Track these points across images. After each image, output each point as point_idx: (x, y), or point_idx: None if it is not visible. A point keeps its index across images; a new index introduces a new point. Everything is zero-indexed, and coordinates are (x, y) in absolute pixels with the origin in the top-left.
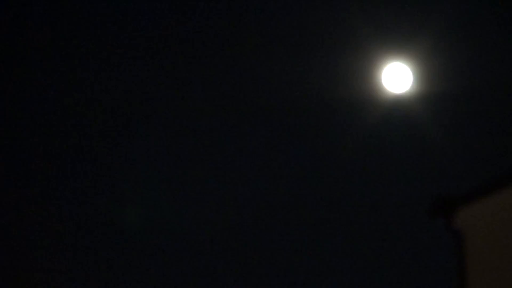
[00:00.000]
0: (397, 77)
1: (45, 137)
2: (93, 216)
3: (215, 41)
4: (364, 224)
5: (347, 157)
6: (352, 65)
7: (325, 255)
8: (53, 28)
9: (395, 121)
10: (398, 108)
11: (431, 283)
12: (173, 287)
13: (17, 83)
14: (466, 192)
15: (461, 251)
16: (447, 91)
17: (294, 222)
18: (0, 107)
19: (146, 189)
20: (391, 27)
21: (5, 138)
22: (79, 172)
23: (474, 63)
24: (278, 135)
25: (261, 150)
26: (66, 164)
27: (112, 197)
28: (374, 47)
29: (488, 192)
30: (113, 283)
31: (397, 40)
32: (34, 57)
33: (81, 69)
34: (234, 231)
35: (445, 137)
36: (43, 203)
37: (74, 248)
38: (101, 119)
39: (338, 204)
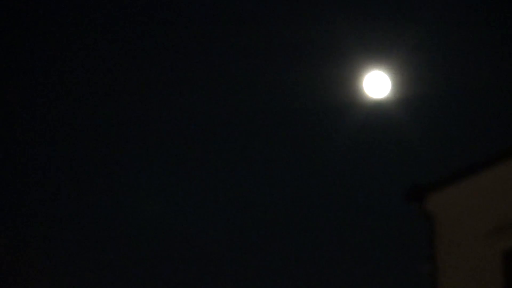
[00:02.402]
0: (377, 84)
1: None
2: (98, 216)
3: (204, 57)
4: (347, 212)
5: (333, 156)
6: (336, 74)
7: (317, 241)
8: (53, 29)
9: (375, 122)
10: (378, 111)
11: (405, 260)
12: (177, 284)
13: (26, 85)
14: (436, 179)
15: (432, 231)
16: (422, 96)
17: (286, 213)
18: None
19: (152, 190)
20: (371, 39)
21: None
22: (88, 173)
23: (447, 71)
24: (270, 137)
25: (253, 150)
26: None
27: (115, 198)
28: (355, 57)
29: (455, 180)
30: (116, 281)
31: (376, 51)
32: (36, 59)
33: (92, 70)
34: (228, 224)
35: (417, 134)
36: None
37: (79, 248)
38: (106, 120)
39: (326, 196)
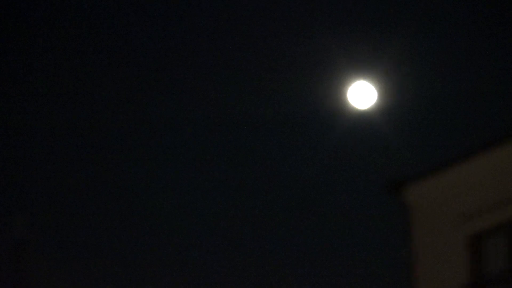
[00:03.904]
0: (361, 94)
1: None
2: (102, 214)
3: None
4: (334, 207)
5: (320, 163)
6: (320, 84)
7: (308, 232)
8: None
9: (360, 133)
10: (363, 122)
11: (386, 246)
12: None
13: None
14: (412, 174)
15: (409, 219)
16: (406, 105)
17: (276, 211)
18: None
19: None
20: (356, 50)
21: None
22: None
23: (433, 80)
24: (259, 146)
25: (239, 155)
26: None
27: (117, 197)
28: (340, 67)
29: (429, 175)
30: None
31: (362, 61)
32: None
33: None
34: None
35: (400, 141)
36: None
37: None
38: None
39: (314, 194)
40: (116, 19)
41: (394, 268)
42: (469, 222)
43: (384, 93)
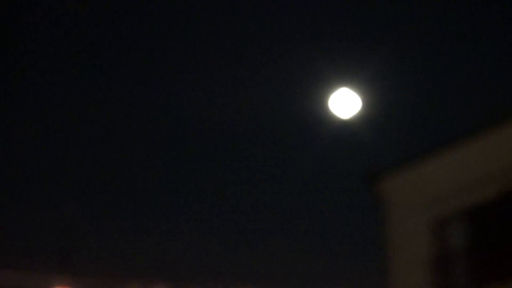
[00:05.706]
0: (344, 102)
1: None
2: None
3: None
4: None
5: (304, 165)
6: (301, 91)
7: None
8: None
9: (342, 141)
10: (345, 132)
11: (362, 235)
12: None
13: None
14: (386, 167)
15: (383, 210)
16: (391, 113)
17: (273, 210)
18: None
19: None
20: (338, 54)
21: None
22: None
23: (419, 87)
24: (243, 151)
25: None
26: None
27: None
28: (322, 74)
29: (401, 168)
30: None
31: (344, 68)
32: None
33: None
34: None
35: (378, 141)
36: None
37: None
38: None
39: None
40: (116, 19)
41: (371, 246)
42: (434, 208)
43: (369, 102)
